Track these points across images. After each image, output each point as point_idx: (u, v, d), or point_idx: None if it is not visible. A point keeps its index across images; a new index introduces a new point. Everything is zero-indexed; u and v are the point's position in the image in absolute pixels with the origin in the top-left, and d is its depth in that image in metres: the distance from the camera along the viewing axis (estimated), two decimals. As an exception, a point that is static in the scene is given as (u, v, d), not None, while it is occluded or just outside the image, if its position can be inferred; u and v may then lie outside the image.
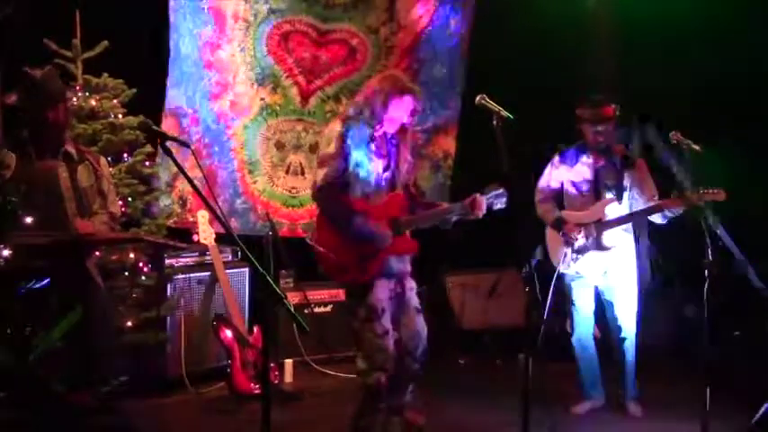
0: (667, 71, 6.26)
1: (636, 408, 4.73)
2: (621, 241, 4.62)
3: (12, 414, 3.29)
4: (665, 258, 6.26)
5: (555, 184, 4.78)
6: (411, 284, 4.11)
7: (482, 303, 6.16)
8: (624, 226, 4.60)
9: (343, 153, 3.86)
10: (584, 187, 4.65)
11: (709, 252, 3.93)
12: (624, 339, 4.69)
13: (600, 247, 4.59)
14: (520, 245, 3.81)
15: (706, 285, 3.90)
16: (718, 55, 6.01)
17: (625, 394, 4.76)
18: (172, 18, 5.62)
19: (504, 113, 3.49)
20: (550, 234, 4.79)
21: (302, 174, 6.35)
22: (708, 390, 3.84)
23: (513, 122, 3.45)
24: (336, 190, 3.85)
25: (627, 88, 6.28)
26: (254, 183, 6.20)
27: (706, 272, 3.91)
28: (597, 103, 4.57)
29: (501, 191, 3.85)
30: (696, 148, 4.13)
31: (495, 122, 3.49)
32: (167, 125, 5.70)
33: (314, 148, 6.33)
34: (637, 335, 4.72)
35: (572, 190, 4.71)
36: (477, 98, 3.56)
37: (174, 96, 5.77)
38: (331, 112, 6.35)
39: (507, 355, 5.93)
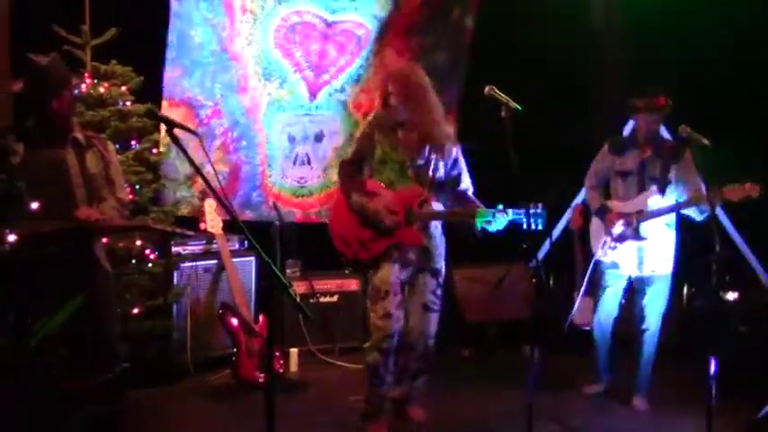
0: (676, 62, 6.25)
1: (641, 402, 4.73)
2: (661, 234, 4.61)
3: (11, 401, 3.29)
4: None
5: (603, 173, 4.81)
6: (427, 281, 4.17)
7: (488, 296, 6.15)
8: (666, 220, 4.59)
9: (367, 137, 4.14)
10: (630, 178, 4.67)
11: (717, 246, 3.91)
12: (645, 331, 4.69)
13: (637, 236, 4.58)
14: (527, 237, 3.81)
15: (713, 280, 3.89)
16: (727, 49, 6.00)
17: (635, 387, 4.76)
18: (174, 5, 5.49)
19: (513, 104, 3.51)
20: (594, 222, 4.83)
21: (309, 163, 6.35)
22: (713, 384, 3.83)
23: (521, 113, 3.46)
24: (354, 168, 4.18)
25: (637, 82, 6.27)
26: (270, 177, 6.21)
27: (713, 266, 3.90)
28: (652, 93, 4.61)
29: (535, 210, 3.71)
30: (705, 142, 4.11)
31: (503, 113, 3.50)
32: (179, 115, 5.55)
33: (319, 137, 6.34)
34: (660, 331, 4.70)
35: (618, 179, 4.73)
36: (486, 89, 3.57)
37: (186, 86, 5.65)
38: (337, 101, 6.36)
39: (512, 348, 5.94)
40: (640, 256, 4.62)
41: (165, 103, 5.59)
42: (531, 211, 3.68)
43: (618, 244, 4.64)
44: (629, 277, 4.71)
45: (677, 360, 5.45)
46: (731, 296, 5.30)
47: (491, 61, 6.23)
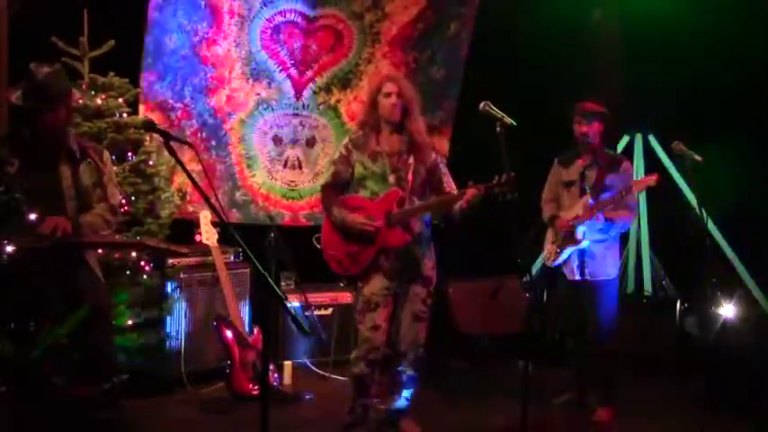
0: (670, 79, 6.30)
1: (602, 414, 4.69)
2: (595, 240, 4.66)
3: (13, 409, 3.29)
4: (668, 272, 6.29)
5: (555, 186, 4.92)
6: (418, 291, 4.19)
7: (482, 308, 6.16)
8: (599, 226, 4.61)
9: (345, 159, 4.21)
10: (573, 187, 4.78)
11: (710, 262, 3.94)
12: (591, 338, 4.69)
13: (574, 241, 4.66)
14: (522, 251, 3.83)
15: (706, 296, 3.91)
16: (720, 63, 6.06)
17: (595, 397, 4.76)
18: (153, 15, 5.58)
19: (508, 120, 3.52)
20: (548, 232, 4.93)
21: (300, 168, 6.45)
22: (705, 401, 3.85)
23: (517, 129, 3.48)
24: (335, 189, 4.24)
25: (630, 97, 6.34)
26: (253, 176, 6.29)
27: (706, 282, 3.92)
28: (583, 100, 4.73)
29: (504, 179, 3.72)
30: (698, 158, 4.15)
31: (498, 129, 3.51)
32: (155, 118, 5.63)
33: (311, 142, 6.44)
34: (607, 336, 4.66)
35: (563, 190, 4.85)
36: (482, 105, 3.59)
37: (159, 90, 5.77)
38: (324, 103, 6.45)
39: (506, 360, 5.94)
40: (581, 262, 4.68)
41: (142, 108, 5.68)
42: (503, 179, 3.68)
43: (561, 250, 4.72)
44: (578, 282, 4.73)
45: (670, 376, 5.47)
46: (724, 312, 5.32)
47: (486, 77, 6.28)
